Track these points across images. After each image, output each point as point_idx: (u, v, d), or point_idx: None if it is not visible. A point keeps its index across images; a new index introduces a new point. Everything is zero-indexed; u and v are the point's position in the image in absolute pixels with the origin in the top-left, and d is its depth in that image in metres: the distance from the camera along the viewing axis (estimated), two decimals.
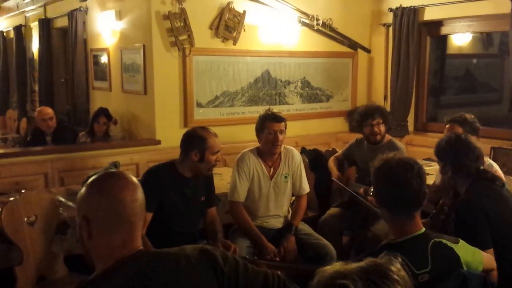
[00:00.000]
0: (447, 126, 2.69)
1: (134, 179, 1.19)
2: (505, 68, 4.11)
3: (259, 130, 2.65)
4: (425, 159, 3.45)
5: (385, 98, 4.68)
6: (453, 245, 1.52)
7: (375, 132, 3.01)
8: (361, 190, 2.72)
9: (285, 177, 2.70)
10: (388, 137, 3.10)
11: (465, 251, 1.54)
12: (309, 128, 4.59)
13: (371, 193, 2.57)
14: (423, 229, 1.54)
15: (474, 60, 4.70)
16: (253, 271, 1.23)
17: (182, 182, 2.37)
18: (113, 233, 1.12)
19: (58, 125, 4.18)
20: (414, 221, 1.53)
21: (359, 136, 3.23)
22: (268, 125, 2.59)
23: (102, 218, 1.12)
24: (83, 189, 1.16)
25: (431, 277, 1.43)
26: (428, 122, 4.53)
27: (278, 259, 2.46)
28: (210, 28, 3.96)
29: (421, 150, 3.95)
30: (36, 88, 6.22)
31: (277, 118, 2.61)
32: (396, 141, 3.12)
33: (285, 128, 2.64)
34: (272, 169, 2.69)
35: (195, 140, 2.35)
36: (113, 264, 1.10)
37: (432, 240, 1.50)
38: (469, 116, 2.68)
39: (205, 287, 1.14)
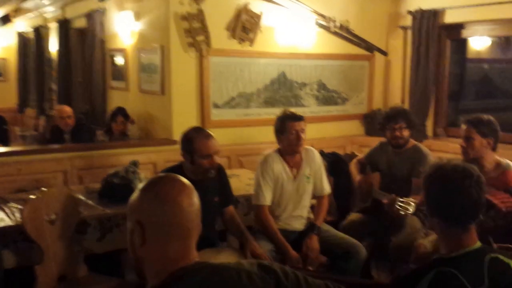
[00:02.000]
0: (463, 127, 2.58)
1: (189, 183, 1.14)
2: None
3: (280, 132, 2.61)
4: None
5: (402, 101, 4.64)
6: (509, 261, 1.39)
7: (397, 137, 2.92)
8: (385, 200, 2.60)
9: (307, 177, 2.67)
10: (412, 142, 2.99)
11: None
12: (324, 130, 4.56)
13: (397, 205, 2.48)
14: (479, 243, 1.42)
15: (492, 65, 4.62)
16: (314, 284, 1.18)
17: None
18: (169, 240, 1.06)
19: (76, 124, 4.23)
20: (469, 233, 1.40)
21: (383, 139, 3.12)
22: (289, 125, 2.56)
23: (157, 223, 1.05)
24: (136, 193, 1.10)
25: None
26: (448, 127, 4.46)
27: (300, 265, 2.43)
28: (227, 29, 3.97)
29: (441, 155, 3.88)
30: (54, 87, 6.30)
31: (297, 117, 2.58)
32: (422, 146, 3.00)
33: (305, 127, 2.61)
34: (294, 170, 2.66)
35: (184, 141, 2.32)
36: (170, 276, 1.04)
37: (489, 256, 1.38)
38: (486, 118, 2.54)
39: None
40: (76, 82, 5.86)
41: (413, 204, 2.44)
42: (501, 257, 1.39)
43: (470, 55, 4.55)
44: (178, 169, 2.36)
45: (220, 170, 2.51)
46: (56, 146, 3.88)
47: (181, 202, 1.08)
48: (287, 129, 2.57)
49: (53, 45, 6.29)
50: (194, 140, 2.28)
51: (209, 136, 2.32)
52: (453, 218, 1.40)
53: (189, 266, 1.06)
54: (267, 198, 2.58)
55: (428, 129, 4.36)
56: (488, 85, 4.54)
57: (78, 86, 5.86)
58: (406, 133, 2.93)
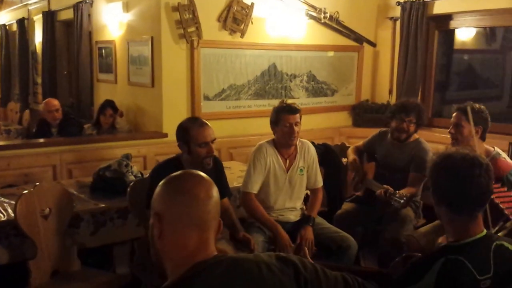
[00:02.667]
0: (454, 114, 2.61)
1: (209, 177, 1.15)
2: (507, 63, 4.08)
3: (275, 123, 2.61)
4: None
5: (390, 92, 4.69)
6: None
7: (402, 129, 2.88)
8: (380, 191, 2.60)
9: (301, 170, 2.68)
10: (415, 136, 2.96)
11: None
12: (313, 122, 4.57)
13: (387, 195, 2.48)
14: (485, 231, 1.43)
15: (478, 56, 4.68)
16: (331, 275, 1.20)
17: None
18: (186, 231, 1.07)
19: (64, 117, 4.16)
20: (476, 221, 1.41)
21: (382, 129, 3.12)
22: (284, 118, 2.56)
23: (173, 213, 1.07)
24: (157, 188, 1.13)
25: (493, 282, 1.34)
26: (434, 117, 4.53)
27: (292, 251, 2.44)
28: (218, 20, 3.93)
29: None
30: (39, 80, 6.18)
31: (292, 110, 2.57)
32: (424, 141, 2.96)
33: (300, 119, 2.61)
34: (288, 161, 2.67)
35: (179, 131, 2.32)
36: (190, 270, 1.04)
37: (494, 243, 1.39)
38: (477, 106, 2.55)
39: None
40: (61, 75, 5.75)
41: (405, 198, 2.47)
42: (506, 244, 1.41)
43: (456, 46, 4.60)
44: (175, 161, 2.36)
45: (217, 162, 2.51)
46: (45, 140, 3.81)
47: (198, 193, 1.09)
48: (281, 121, 2.57)
49: (37, 38, 6.15)
50: (190, 129, 2.28)
51: (204, 124, 2.33)
52: (461, 207, 1.40)
53: (209, 259, 1.06)
54: (254, 186, 2.59)
55: None
56: (473, 75, 4.61)
57: (63, 79, 5.76)
58: (412, 128, 2.89)
